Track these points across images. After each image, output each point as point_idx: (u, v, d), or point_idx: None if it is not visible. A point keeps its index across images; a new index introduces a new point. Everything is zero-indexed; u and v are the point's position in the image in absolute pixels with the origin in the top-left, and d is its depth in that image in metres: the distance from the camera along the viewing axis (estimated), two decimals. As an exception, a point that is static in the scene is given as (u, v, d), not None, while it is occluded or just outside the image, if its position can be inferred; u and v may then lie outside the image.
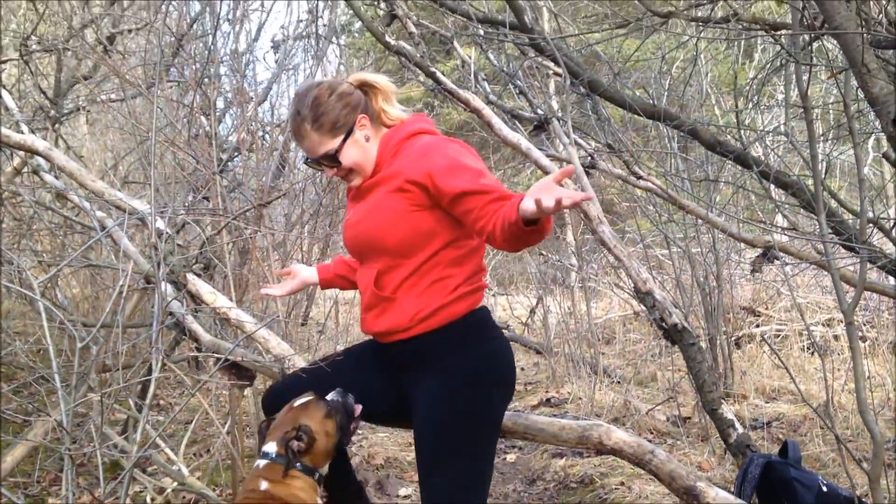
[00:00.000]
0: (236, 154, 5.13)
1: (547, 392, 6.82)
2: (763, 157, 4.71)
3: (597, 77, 4.70)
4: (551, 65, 4.99)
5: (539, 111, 4.81)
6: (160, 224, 3.49)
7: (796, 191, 4.17)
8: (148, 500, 3.66)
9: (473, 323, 2.30)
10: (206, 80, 5.00)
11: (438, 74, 4.34)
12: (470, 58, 4.72)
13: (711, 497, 2.70)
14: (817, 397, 5.47)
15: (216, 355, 3.02)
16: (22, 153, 4.68)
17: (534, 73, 5.41)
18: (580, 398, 6.26)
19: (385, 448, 5.02)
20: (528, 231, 1.91)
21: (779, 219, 7.72)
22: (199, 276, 3.46)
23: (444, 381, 2.24)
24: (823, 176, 3.35)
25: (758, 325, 7.59)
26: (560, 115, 4.77)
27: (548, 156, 4.45)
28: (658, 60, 5.95)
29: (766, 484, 3.03)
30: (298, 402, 2.31)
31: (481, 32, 4.93)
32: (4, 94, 5.00)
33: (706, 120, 5.69)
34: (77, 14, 6.41)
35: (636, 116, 4.82)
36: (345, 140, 2.25)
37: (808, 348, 6.91)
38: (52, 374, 2.59)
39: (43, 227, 5.78)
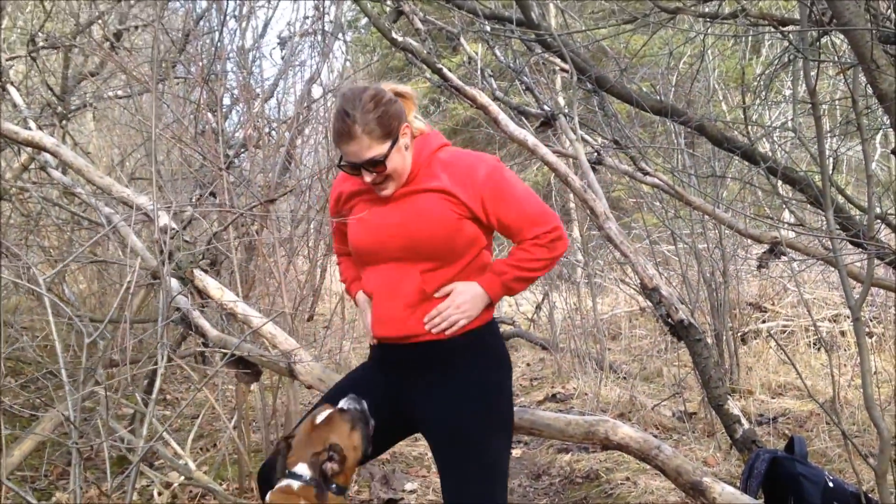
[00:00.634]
0: (243, 150, 5.14)
1: (552, 388, 6.82)
2: (770, 154, 4.70)
3: (604, 73, 4.69)
4: (558, 61, 4.98)
5: (546, 107, 4.80)
6: (167, 220, 3.50)
7: (804, 187, 4.16)
8: (155, 494, 3.68)
9: (492, 321, 2.42)
10: (212, 76, 5.01)
11: (445, 71, 4.33)
12: (476, 54, 4.72)
13: (717, 492, 2.70)
14: (824, 393, 5.47)
15: (223, 350, 3.03)
16: (29, 149, 4.70)
17: (540, 69, 5.40)
18: (586, 394, 6.26)
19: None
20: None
21: (786, 215, 7.70)
22: (205, 271, 3.47)
23: (473, 381, 2.33)
24: (831, 172, 3.34)
25: (764, 321, 7.58)
26: (567, 111, 4.76)
27: (554, 152, 4.45)
28: (665, 56, 5.94)
29: (772, 479, 3.03)
30: (320, 417, 2.26)
31: (488, 29, 4.92)
32: (12, 90, 5.02)
33: (713, 116, 5.67)
34: (84, 11, 6.43)
35: (643, 112, 4.81)
36: (392, 145, 2.26)
37: (815, 344, 6.90)
38: (59, 368, 2.60)
39: (50, 223, 5.80)
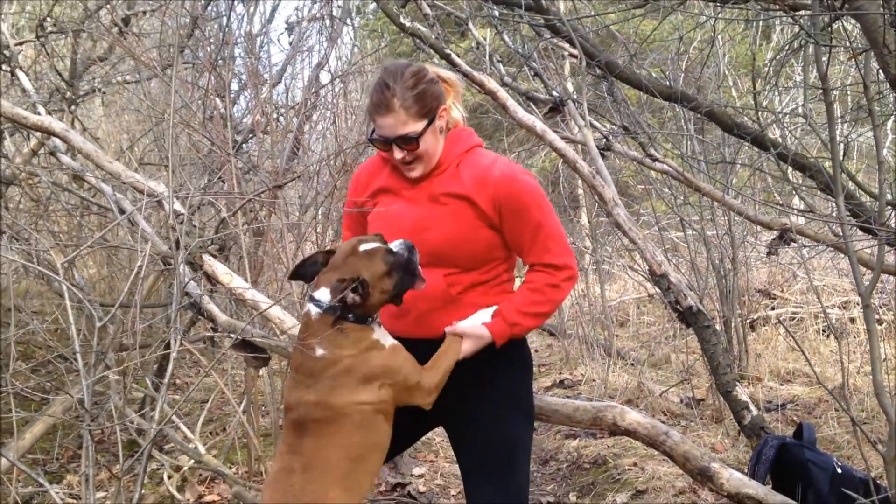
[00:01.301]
0: (251, 136, 5.13)
1: (560, 374, 6.84)
2: (781, 140, 4.68)
3: (613, 58, 4.67)
4: (567, 46, 4.96)
5: (554, 93, 4.78)
6: (177, 206, 3.50)
7: (814, 173, 4.13)
8: (165, 477, 3.70)
9: None
10: (220, 61, 5.00)
11: (453, 56, 4.31)
12: (485, 39, 4.69)
13: (725, 478, 2.70)
14: (832, 380, 5.46)
15: (232, 335, 3.04)
16: (39, 134, 4.71)
17: (549, 54, 5.38)
18: (593, 380, 6.27)
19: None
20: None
21: (796, 201, 7.67)
22: (215, 257, 3.48)
23: (504, 379, 2.34)
24: (842, 158, 3.31)
25: (773, 308, 7.57)
26: (575, 96, 4.74)
27: (563, 138, 4.43)
28: (675, 41, 5.90)
29: (780, 466, 3.03)
30: (364, 246, 2.19)
31: (496, 13, 4.90)
32: (21, 75, 5.02)
33: (723, 102, 5.64)
34: (92, -5, 6.41)
35: (652, 98, 4.79)
36: (428, 125, 2.22)
37: (824, 331, 6.88)
38: (70, 352, 2.61)
39: (60, 208, 5.82)
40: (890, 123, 8.60)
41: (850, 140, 5.26)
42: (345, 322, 2.14)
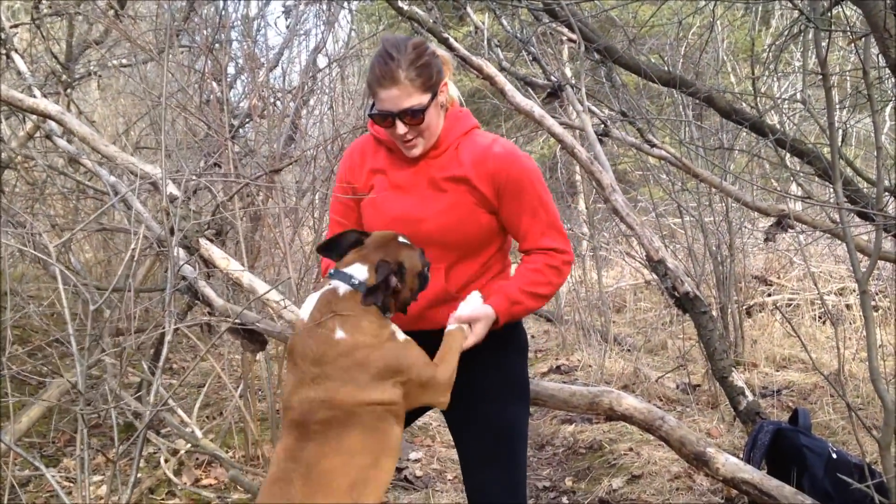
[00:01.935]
0: (248, 120, 5.11)
1: (557, 359, 6.85)
2: (779, 126, 4.66)
3: (611, 43, 4.65)
4: (565, 31, 4.94)
5: (553, 78, 4.76)
6: (172, 189, 3.49)
7: (812, 159, 4.13)
8: (162, 460, 3.71)
9: None
10: (217, 45, 4.97)
11: (451, 40, 4.29)
12: (483, 24, 4.67)
13: (721, 463, 2.71)
14: (828, 366, 5.47)
15: (228, 319, 3.03)
16: (34, 117, 4.68)
17: (547, 39, 5.35)
18: (590, 366, 6.28)
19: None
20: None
21: (793, 188, 7.67)
22: (211, 241, 3.47)
23: (504, 363, 2.33)
24: (840, 144, 3.31)
25: (770, 294, 7.58)
26: (574, 82, 4.73)
27: (561, 123, 4.42)
28: (674, 27, 5.88)
29: (775, 451, 3.04)
30: (403, 238, 2.11)
31: (494, -3, 4.87)
32: (17, 58, 4.99)
33: (722, 87, 5.62)
34: (88, -22, 6.37)
35: (651, 84, 4.77)
36: (431, 100, 2.16)
37: (820, 317, 6.90)
38: (67, 336, 2.61)
39: (56, 192, 5.80)
40: (889, 109, 8.58)
41: (848, 126, 5.24)
42: (374, 306, 1.99)
